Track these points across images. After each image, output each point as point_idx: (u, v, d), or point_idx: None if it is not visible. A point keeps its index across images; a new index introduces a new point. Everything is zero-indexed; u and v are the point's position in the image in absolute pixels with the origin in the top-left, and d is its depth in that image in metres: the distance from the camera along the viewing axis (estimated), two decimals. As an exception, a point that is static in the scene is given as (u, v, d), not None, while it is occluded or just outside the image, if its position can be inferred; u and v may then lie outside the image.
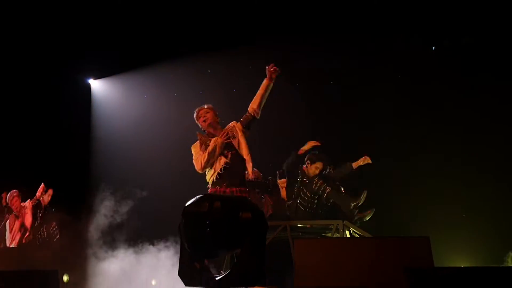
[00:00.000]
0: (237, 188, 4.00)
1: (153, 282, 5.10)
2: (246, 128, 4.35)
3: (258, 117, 4.37)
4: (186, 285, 2.97)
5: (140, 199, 5.37)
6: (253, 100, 4.37)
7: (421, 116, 6.87)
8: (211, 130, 4.35)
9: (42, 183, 5.94)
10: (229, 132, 4.27)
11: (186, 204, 3.04)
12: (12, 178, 6.24)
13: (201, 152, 4.23)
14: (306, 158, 5.70)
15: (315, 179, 5.34)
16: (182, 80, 8.33)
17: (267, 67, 4.31)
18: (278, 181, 5.76)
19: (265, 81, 4.32)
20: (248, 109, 4.38)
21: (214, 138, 4.25)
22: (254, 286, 3.04)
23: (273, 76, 4.29)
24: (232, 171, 4.14)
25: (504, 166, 6.20)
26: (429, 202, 6.36)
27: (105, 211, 5.02)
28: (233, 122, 4.41)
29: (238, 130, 4.28)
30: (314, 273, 2.94)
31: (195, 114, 4.54)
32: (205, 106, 4.51)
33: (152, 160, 7.29)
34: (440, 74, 6.97)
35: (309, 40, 7.42)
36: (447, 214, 6.32)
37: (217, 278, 2.92)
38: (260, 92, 4.35)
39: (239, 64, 7.97)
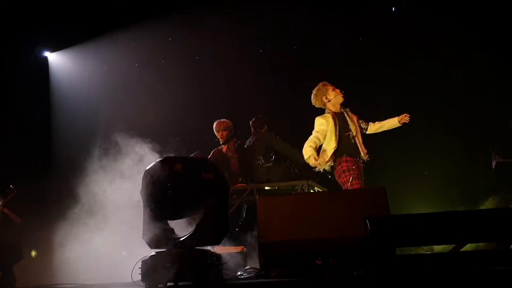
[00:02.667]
0: None
1: (124, 253, 5.09)
2: None
3: None
4: (150, 247, 2.99)
5: (102, 174, 5.27)
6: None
7: (385, 77, 6.94)
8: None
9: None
10: None
11: (147, 168, 3.04)
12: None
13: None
14: (251, 123, 5.90)
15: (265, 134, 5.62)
16: (144, 49, 8.13)
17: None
18: None
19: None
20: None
21: None
22: (217, 244, 3.09)
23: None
24: None
25: (463, 125, 6.36)
26: (393, 160, 6.51)
27: (66, 188, 4.93)
28: None
29: None
30: (276, 228, 3.00)
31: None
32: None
33: (115, 133, 7.15)
34: (401, 35, 7.03)
35: (271, 5, 7.34)
36: (409, 171, 6.50)
37: (181, 239, 2.95)
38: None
39: (201, 31, 7.83)
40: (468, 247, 3.04)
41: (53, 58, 8.35)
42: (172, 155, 4.18)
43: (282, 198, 3.40)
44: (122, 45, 8.15)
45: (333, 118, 4.58)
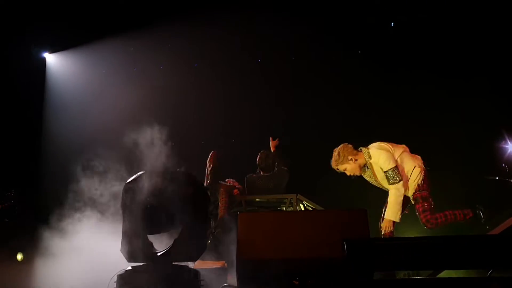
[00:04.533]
0: None
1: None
2: None
3: None
4: (128, 261, 2.98)
5: (95, 177, 5.26)
6: None
7: (382, 91, 6.93)
8: None
9: None
10: None
11: (127, 181, 3.03)
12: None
13: None
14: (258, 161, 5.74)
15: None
16: (142, 54, 8.13)
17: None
18: None
19: None
20: None
21: None
22: (195, 260, 3.08)
23: None
24: None
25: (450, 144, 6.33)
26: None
27: (56, 191, 4.92)
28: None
29: None
30: (256, 245, 2.97)
31: None
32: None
33: (110, 138, 7.15)
34: (398, 50, 7.03)
35: (270, 16, 7.35)
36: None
37: (159, 254, 2.93)
38: None
39: (200, 39, 7.85)
40: (447, 273, 3.02)
41: (51, 59, 8.35)
42: (165, 162, 4.18)
43: (263, 215, 3.39)
44: (121, 49, 8.16)
45: None
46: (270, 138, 5.76)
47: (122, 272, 2.84)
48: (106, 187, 4.97)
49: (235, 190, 5.39)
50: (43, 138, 7.57)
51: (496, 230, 3.29)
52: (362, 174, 4.18)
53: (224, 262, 3.54)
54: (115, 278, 2.83)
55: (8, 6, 7.08)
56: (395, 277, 3.24)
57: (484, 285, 2.68)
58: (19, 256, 5.44)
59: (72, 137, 7.16)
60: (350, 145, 4.18)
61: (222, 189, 5.22)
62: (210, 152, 5.81)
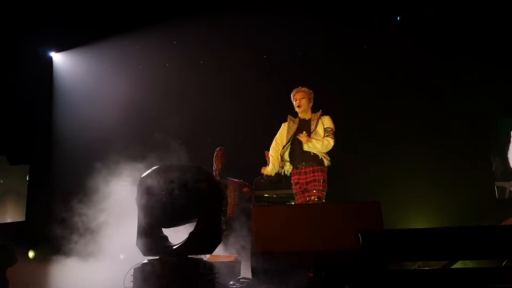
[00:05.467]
0: None
1: (121, 257, 5.10)
2: None
3: None
4: (144, 255, 3.00)
5: (104, 176, 5.29)
6: None
7: (387, 86, 6.91)
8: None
9: None
10: None
11: (142, 176, 3.05)
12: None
13: None
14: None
15: None
16: (148, 52, 8.15)
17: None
18: None
19: None
20: None
21: None
22: (211, 253, 3.10)
23: None
24: None
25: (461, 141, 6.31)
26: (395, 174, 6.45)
27: (67, 189, 4.93)
28: None
29: None
30: (270, 238, 2.99)
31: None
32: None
33: (118, 136, 7.18)
34: (405, 44, 7.01)
35: (275, 12, 7.35)
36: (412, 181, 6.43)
37: (174, 247, 2.96)
38: None
39: (206, 36, 7.85)
40: (461, 264, 3.03)
41: (58, 58, 8.38)
42: (172, 159, 4.19)
43: (276, 209, 3.40)
44: (127, 48, 8.17)
45: None
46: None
47: (138, 265, 2.86)
48: (119, 183, 5.00)
49: (245, 188, 5.40)
50: (52, 136, 7.60)
51: (511, 221, 3.30)
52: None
53: (237, 255, 3.56)
54: (132, 271, 2.85)
55: (14, 6, 7.11)
56: (410, 268, 3.25)
57: (499, 275, 2.69)
58: (31, 254, 5.48)
59: (81, 135, 7.19)
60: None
61: (230, 186, 5.21)
62: (216, 149, 5.82)
